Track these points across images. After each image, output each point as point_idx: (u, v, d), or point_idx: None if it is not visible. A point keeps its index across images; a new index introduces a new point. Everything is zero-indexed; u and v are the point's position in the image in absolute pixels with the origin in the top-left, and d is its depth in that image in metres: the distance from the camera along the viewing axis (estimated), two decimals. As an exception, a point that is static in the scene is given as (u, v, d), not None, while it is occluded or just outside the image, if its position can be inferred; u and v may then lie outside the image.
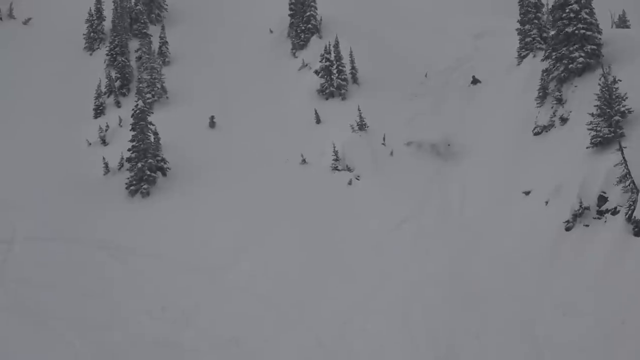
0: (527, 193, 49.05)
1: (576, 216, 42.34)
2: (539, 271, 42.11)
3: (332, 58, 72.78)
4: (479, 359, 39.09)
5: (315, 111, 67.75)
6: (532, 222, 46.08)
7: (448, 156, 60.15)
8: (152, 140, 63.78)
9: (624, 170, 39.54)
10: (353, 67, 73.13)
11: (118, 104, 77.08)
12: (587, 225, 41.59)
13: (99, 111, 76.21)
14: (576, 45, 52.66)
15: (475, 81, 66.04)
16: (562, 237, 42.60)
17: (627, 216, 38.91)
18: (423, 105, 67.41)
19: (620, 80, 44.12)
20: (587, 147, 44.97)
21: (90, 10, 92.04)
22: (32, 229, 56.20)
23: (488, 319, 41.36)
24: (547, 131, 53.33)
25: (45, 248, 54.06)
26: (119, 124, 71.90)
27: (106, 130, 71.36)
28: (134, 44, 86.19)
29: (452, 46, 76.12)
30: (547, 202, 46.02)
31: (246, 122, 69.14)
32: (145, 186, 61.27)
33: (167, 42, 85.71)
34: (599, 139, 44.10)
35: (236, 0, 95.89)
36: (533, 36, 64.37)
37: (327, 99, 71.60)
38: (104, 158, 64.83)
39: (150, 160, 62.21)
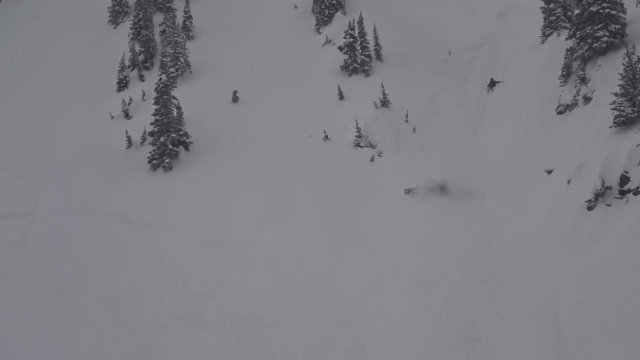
0: (550, 172, 49.00)
1: (598, 196, 42.25)
2: (560, 250, 42.09)
3: (356, 34, 72.60)
4: (499, 336, 39.16)
5: (339, 87, 67.68)
6: (554, 201, 46.06)
7: (471, 132, 60.01)
8: (175, 114, 63.75)
9: (646, 150, 39.55)
10: (377, 44, 72.93)
11: (141, 78, 77.20)
12: (609, 205, 41.51)
13: (122, 85, 76.38)
14: (600, 25, 52.41)
15: (492, 83, 64.71)
16: (584, 217, 42.51)
17: (649, 196, 38.98)
18: (446, 83, 67.25)
19: (645, 60, 44.05)
20: (610, 127, 44.87)
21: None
22: (53, 201, 56.54)
23: (509, 297, 41.44)
24: (570, 110, 53.19)
25: (66, 221, 54.43)
26: (142, 98, 72.01)
27: (129, 103, 71.50)
28: (158, 18, 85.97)
29: (476, 24, 75.58)
30: (569, 181, 45.95)
31: (269, 97, 69.02)
32: (167, 160, 61.36)
33: (191, 16, 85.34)
34: (622, 119, 44.00)
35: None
36: (557, 15, 64.00)
37: (350, 75, 71.49)
38: (126, 132, 64.85)
39: (172, 135, 62.29)
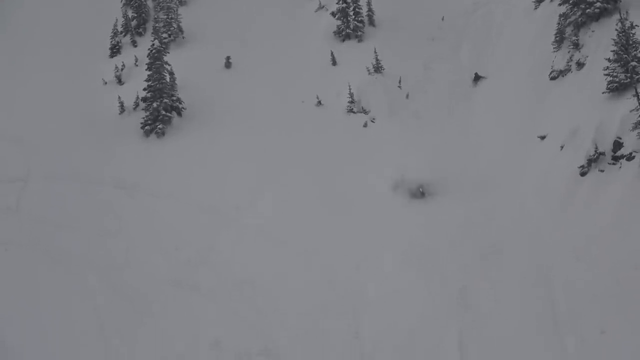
0: (543, 138, 49.06)
1: (591, 161, 42.45)
2: (553, 216, 42.38)
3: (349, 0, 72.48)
4: (493, 301, 39.41)
5: (331, 53, 67.53)
6: (547, 167, 46.24)
7: (463, 99, 60.05)
8: (168, 80, 63.75)
9: (639, 116, 39.49)
10: (370, 9, 72.69)
11: (134, 44, 76.97)
12: (602, 171, 41.69)
13: (115, 50, 76.23)
14: (594, -10, 52.40)
15: (477, 77, 63.79)
16: (577, 182, 42.73)
17: (642, 162, 39.08)
18: (440, 49, 67.21)
19: (638, 26, 43.78)
20: (603, 93, 44.89)
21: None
22: (46, 167, 56.58)
23: (503, 263, 41.74)
24: (563, 76, 53.14)
25: (60, 186, 54.49)
26: (135, 64, 71.84)
27: (122, 69, 71.34)
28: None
29: (470, -11, 75.64)
30: (562, 147, 46.04)
31: (262, 63, 68.98)
32: (160, 126, 61.31)
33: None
34: (615, 85, 44.02)
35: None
36: (551, -20, 63.91)
37: (343, 40, 71.26)
38: (119, 97, 64.74)
39: (165, 100, 62.26)
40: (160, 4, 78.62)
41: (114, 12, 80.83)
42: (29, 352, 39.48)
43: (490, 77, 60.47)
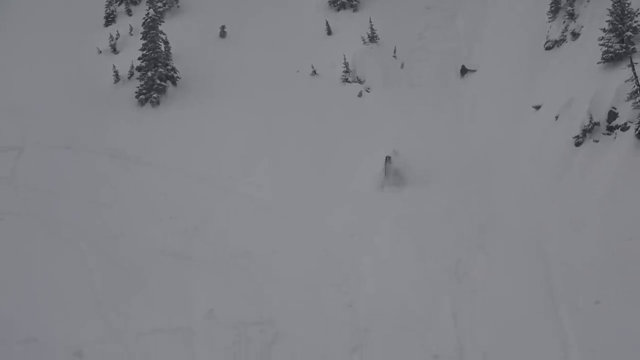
0: (538, 108, 49.07)
1: (586, 132, 42.44)
2: (548, 187, 42.37)
3: (344, -33, 72.21)
4: (487, 271, 39.45)
5: (327, 22, 67.34)
6: (542, 137, 46.24)
7: (457, 69, 59.98)
8: (163, 49, 63.61)
9: (634, 87, 39.44)
10: (365, -22, 72.59)
11: (129, 12, 76.38)
12: (596, 141, 41.67)
13: (109, 19, 75.69)
14: (589, -41, 52.26)
15: (464, 70, 62.19)
16: (572, 153, 42.73)
17: (637, 132, 38.87)
18: (435, 18, 66.92)
19: (633, -4, 43.89)
20: (598, 63, 44.83)
21: None
22: (41, 136, 56.50)
23: (497, 234, 41.71)
24: (558, 46, 53.11)
25: (54, 156, 54.47)
26: (130, 33, 71.52)
27: (117, 38, 71.04)
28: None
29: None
30: (557, 117, 46.05)
31: (257, 33, 68.76)
32: (155, 95, 61.24)
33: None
34: (610, 55, 43.96)
35: None
36: (546, -51, 63.66)
37: (338, 10, 70.93)
38: (114, 66, 64.62)
39: (160, 69, 62.16)
40: (156, -28, 78.33)
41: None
42: (26, 322, 39.52)
43: (486, 46, 60.30)
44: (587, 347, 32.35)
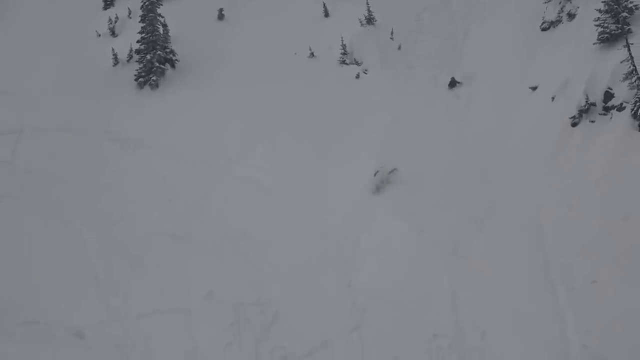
0: (534, 88, 49.12)
1: (582, 112, 42.57)
2: (545, 167, 42.49)
3: (341, -51, 72.05)
4: (484, 252, 39.61)
5: (324, 4, 67.22)
6: (538, 118, 46.29)
7: (455, 50, 60.06)
8: (161, 32, 63.79)
9: (630, 67, 39.60)
10: (363, -40, 72.48)
11: (127, -5, 76.80)
12: (592, 121, 41.83)
13: (108, 2, 75.81)
14: (586, -61, 52.23)
15: (453, 83, 59.95)
16: (568, 133, 42.87)
17: (632, 112, 39.10)
18: (432, 1, 66.87)
19: (629, -24, 43.96)
20: (594, 43, 45.00)
21: None
22: (40, 119, 56.57)
23: (495, 215, 41.83)
24: (554, 27, 53.16)
25: (53, 139, 54.54)
26: (129, 16, 71.65)
27: (115, 21, 71.16)
28: None
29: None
30: (553, 98, 46.13)
31: (255, 15, 68.79)
32: (154, 78, 61.39)
33: None
34: (606, 35, 44.10)
35: None
36: None
37: (335, -8, 71.11)
38: (113, 49, 64.78)
39: (159, 52, 62.33)
40: (153, -46, 78.24)
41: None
42: (26, 305, 39.77)
43: (482, 27, 60.33)
44: (583, 328, 32.66)
